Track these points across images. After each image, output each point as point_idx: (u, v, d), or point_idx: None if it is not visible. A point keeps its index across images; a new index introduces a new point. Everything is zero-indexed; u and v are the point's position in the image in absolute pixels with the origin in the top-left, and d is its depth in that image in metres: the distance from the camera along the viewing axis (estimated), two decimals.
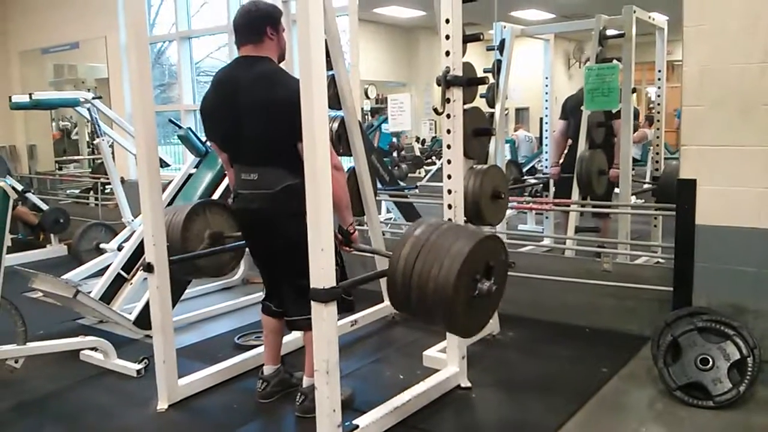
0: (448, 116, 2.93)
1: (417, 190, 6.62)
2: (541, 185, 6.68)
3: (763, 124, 2.98)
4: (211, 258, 3.30)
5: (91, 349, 3.53)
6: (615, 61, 4.74)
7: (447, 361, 3.23)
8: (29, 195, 6.82)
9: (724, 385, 2.89)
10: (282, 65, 2.86)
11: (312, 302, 2.26)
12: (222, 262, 3.39)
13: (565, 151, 5.65)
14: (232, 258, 3.44)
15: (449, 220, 2.95)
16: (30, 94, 5.40)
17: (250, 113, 2.67)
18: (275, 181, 2.68)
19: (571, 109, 5.33)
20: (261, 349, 3.38)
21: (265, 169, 2.71)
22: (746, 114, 3.02)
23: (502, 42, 5.32)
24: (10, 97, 5.59)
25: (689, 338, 3.02)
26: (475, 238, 2.27)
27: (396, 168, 9.19)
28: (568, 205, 5.07)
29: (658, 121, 5.37)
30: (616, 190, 5.12)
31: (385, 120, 7.66)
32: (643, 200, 5.84)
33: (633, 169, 5.49)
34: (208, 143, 4.55)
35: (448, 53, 2.88)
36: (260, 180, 2.72)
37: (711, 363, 2.94)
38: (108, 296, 4.26)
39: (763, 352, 2.96)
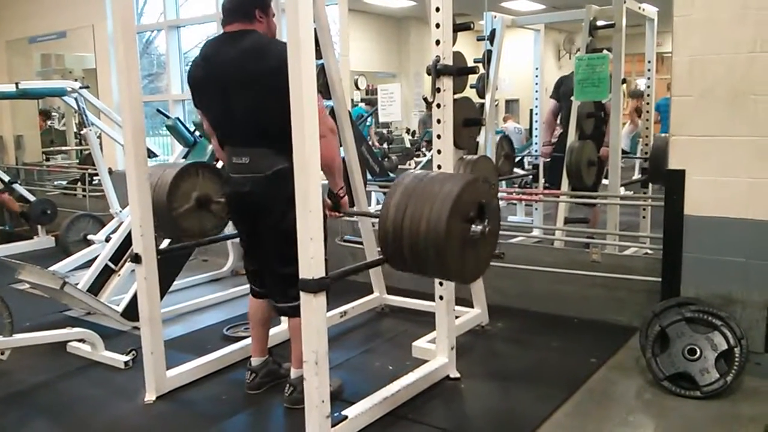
0: (438, 106, 2.92)
1: None
2: (531, 177, 6.69)
3: (751, 115, 2.99)
4: (195, 220, 3.23)
5: (79, 340, 3.51)
6: (605, 52, 4.74)
7: (436, 351, 3.23)
8: (16, 186, 6.77)
9: (712, 376, 2.90)
10: None
11: (301, 293, 2.25)
12: (206, 224, 3.32)
13: (558, 132, 5.64)
14: (216, 221, 3.37)
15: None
16: (16, 83, 5.35)
17: (240, 89, 2.63)
18: (267, 165, 2.65)
19: (564, 94, 5.31)
20: (249, 340, 3.37)
21: (256, 151, 2.68)
22: (735, 104, 3.02)
23: (493, 32, 5.31)
24: None
25: (677, 329, 3.04)
26: (464, 179, 2.25)
27: (386, 159, 9.17)
28: (558, 196, 5.07)
29: (648, 112, 5.38)
30: (605, 181, 5.14)
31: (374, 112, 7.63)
32: (632, 191, 5.86)
33: (622, 162, 5.51)
34: (197, 134, 4.53)
35: (438, 42, 2.87)
36: (252, 163, 2.69)
37: (698, 353, 2.95)
38: (96, 288, 4.23)
39: (751, 343, 2.98)
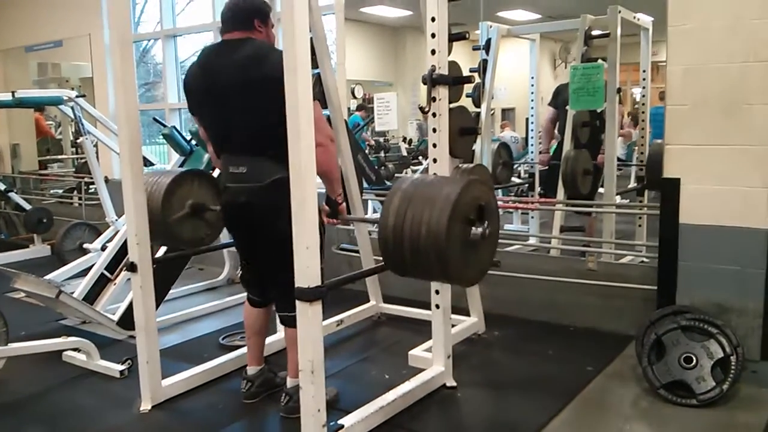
0: (434, 115, 2.93)
1: None
2: (527, 185, 6.70)
3: (746, 123, 3.01)
4: (188, 227, 3.22)
5: (74, 349, 3.50)
6: (600, 61, 4.76)
7: (432, 360, 3.22)
8: (12, 194, 6.76)
9: (708, 384, 2.90)
10: None
11: (297, 301, 2.25)
12: (200, 233, 3.31)
13: (555, 142, 5.65)
14: (210, 230, 3.35)
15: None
16: (13, 92, 5.35)
17: (238, 96, 2.62)
18: (264, 174, 2.64)
19: (562, 103, 5.33)
20: (245, 349, 3.36)
21: (253, 160, 2.67)
22: (729, 113, 3.04)
23: (488, 41, 5.33)
24: None
25: (673, 337, 3.04)
26: (463, 182, 2.25)
27: (383, 168, 9.18)
28: (554, 205, 5.08)
29: (643, 121, 5.41)
30: (601, 189, 5.15)
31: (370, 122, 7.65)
32: (628, 200, 5.88)
33: (620, 170, 5.53)
34: (193, 143, 4.54)
35: (433, 52, 2.88)
36: (249, 173, 2.68)
37: (694, 361, 2.95)
38: (91, 297, 4.22)
39: (746, 351, 2.99)
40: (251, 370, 3.09)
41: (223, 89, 2.67)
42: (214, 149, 2.88)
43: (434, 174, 2.93)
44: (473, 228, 2.25)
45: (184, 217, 3.16)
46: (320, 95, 3.67)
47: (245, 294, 3.11)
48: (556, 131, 5.59)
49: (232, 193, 2.76)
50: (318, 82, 3.63)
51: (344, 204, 2.95)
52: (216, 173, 3.97)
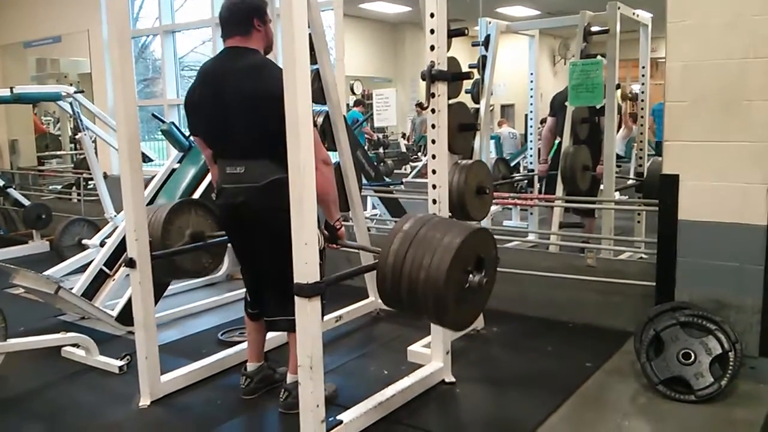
0: (433, 111, 2.93)
1: (402, 186, 6.61)
2: (526, 181, 6.70)
3: (744, 120, 3.01)
4: (191, 258, 3.27)
5: (73, 345, 3.50)
6: (599, 57, 4.76)
7: (431, 356, 3.23)
8: (11, 190, 6.75)
9: (706, 380, 2.91)
10: (269, 56, 2.84)
11: (296, 297, 2.25)
12: (201, 262, 3.36)
13: (554, 149, 5.65)
14: (211, 258, 3.41)
15: (434, 215, 2.95)
16: (11, 88, 5.35)
17: (238, 105, 2.62)
18: (262, 175, 2.63)
19: (559, 106, 5.33)
20: (244, 345, 3.36)
21: (251, 162, 2.66)
22: (728, 110, 3.04)
23: (487, 38, 5.32)
24: None
25: (671, 333, 3.04)
26: (467, 231, 2.27)
27: (382, 164, 9.18)
28: (553, 201, 5.09)
29: (642, 117, 5.40)
30: (601, 187, 5.15)
31: (369, 117, 7.65)
32: (627, 196, 5.88)
33: (618, 167, 5.53)
34: (192, 138, 4.53)
35: (432, 48, 2.88)
36: (246, 173, 2.66)
37: (693, 357, 2.96)
38: (90, 292, 4.22)
39: (745, 347, 2.99)
40: (251, 366, 3.09)
41: (222, 98, 2.66)
42: (213, 154, 2.87)
43: (431, 173, 2.94)
44: (470, 276, 2.27)
45: (185, 248, 3.20)
46: (319, 91, 3.67)
47: (245, 289, 3.10)
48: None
49: (229, 194, 2.73)
50: (317, 78, 3.63)
51: (343, 229, 2.96)
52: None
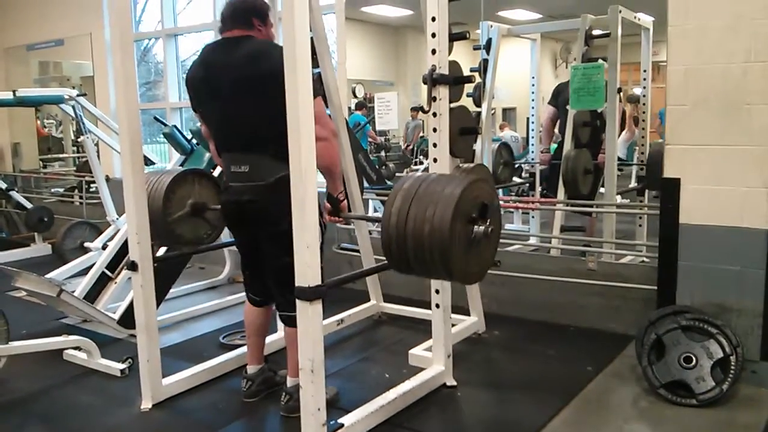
0: (435, 114, 2.93)
1: None
2: (528, 185, 6.70)
3: (746, 124, 3.00)
4: (190, 228, 3.23)
5: (75, 348, 3.51)
6: (601, 61, 4.76)
7: (433, 359, 3.22)
8: (13, 193, 6.76)
9: (708, 384, 2.91)
10: None
11: (297, 300, 2.25)
12: (200, 233, 3.31)
13: (554, 150, 5.65)
14: (210, 230, 3.36)
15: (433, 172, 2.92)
16: (14, 91, 5.36)
17: (238, 93, 2.63)
18: (268, 173, 2.64)
19: (563, 101, 5.32)
20: (246, 348, 3.36)
21: (255, 158, 2.67)
22: (729, 113, 3.04)
23: (489, 41, 5.33)
24: None
25: (673, 337, 3.04)
26: (467, 180, 2.25)
27: (383, 167, 9.18)
28: (554, 204, 5.09)
29: (644, 120, 5.40)
30: (601, 189, 5.15)
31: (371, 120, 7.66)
32: (628, 200, 5.88)
33: (620, 170, 5.52)
34: (194, 142, 4.54)
35: (434, 51, 2.89)
36: (251, 172, 2.68)
37: (694, 361, 2.96)
38: (92, 295, 4.23)
39: (746, 351, 2.99)
40: (251, 369, 3.10)
41: (222, 87, 2.69)
42: (216, 148, 2.89)
43: (434, 173, 2.94)
44: (476, 226, 2.26)
45: (184, 216, 3.17)
46: (321, 94, 3.67)
47: (245, 293, 3.11)
48: (556, 131, 5.59)
49: (236, 192, 2.75)
50: (319, 81, 3.63)
51: (346, 201, 2.93)
52: (217, 171, 4.00)
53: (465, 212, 2.23)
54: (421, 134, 11.44)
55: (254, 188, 2.68)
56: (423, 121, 11.29)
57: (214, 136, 2.88)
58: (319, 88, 2.69)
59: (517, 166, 8.12)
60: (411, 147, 11.26)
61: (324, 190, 2.75)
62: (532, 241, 5.60)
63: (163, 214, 3.06)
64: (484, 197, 2.31)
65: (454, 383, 3.18)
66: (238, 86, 2.64)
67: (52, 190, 8.27)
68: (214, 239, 3.44)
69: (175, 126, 4.84)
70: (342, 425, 2.60)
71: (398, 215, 2.25)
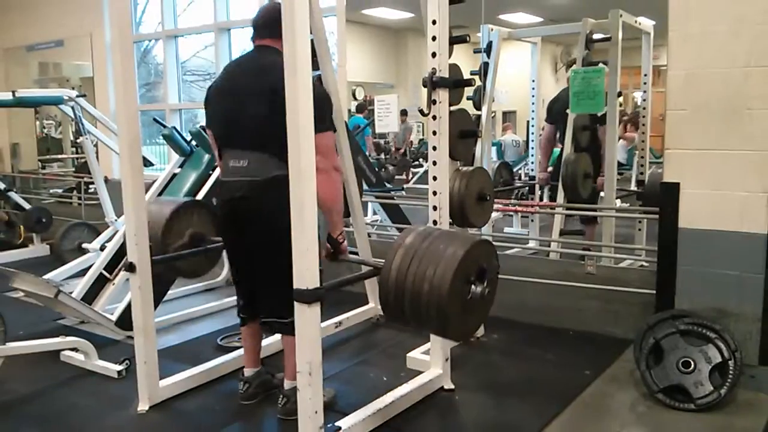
0: (434, 118, 2.93)
1: (404, 192, 6.62)
2: (527, 188, 6.70)
3: (746, 128, 3.00)
4: (189, 258, 3.26)
5: (72, 349, 3.50)
6: (601, 65, 4.76)
7: (431, 363, 3.22)
8: (11, 194, 6.75)
9: (706, 388, 2.90)
10: None
11: (295, 303, 2.25)
12: (198, 263, 3.35)
13: (556, 156, 5.65)
14: (208, 260, 3.40)
15: (434, 222, 2.95)
16: (13, 92, 5.36)
17: (251, 98, 2.66)
18: (265, 170, 2.64)
19: (557, 113, 5.32)
20: (243, 351, 3.36)
21: (256, 155, 2.67)
22: (730, 118, 3.04)
23: (489, 44, 5.33)
24: None
25: (671, 341, 3.04)
26: (469, 243, 2.28)
27: (383, 170, 9.19)
28: (553, 208, 5.08)
29: (644, 125, 5.40)
30: (602, 194, 5.15)
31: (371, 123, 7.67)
32: (628, 204, 5.88)
33: (620, 174, 5.52)
34: (193, 143, 4.54)
35: (434, 55, 2.89)
36: (250, 167, 2.68)
37: (693, 366, 2.95)
38: (90, 296, 4.21)
39: (744, 356, 2.98)
40: (248, 371, 3.09)
41: (237, 91, 2.73)
42: (219, 147, 2.87)
43: (432, 180, 2.95)
44: (473, 287, 2.28)
45: (183, 248, 3.20)
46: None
47: (237, 294, 3.11)
48: (557, 140, 5.58)
49: (229, 189, 2.75)
50: (319, 83, 3.63)
51: (346, 243, 2.92)
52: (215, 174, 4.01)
53: (465, 274, 2.27)
54: (420, 137, 11.46)
55: (249, 184, 2.68)
56: (416, 124, 11.31)
57: (218, 133, 2.86)
58: (331, 123, 2.73)
59: (517, 169, 8.16)
60: (403, 150, 11.28)
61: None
62: (532, 244, 5.60)
63: (162, 246, 3.09)
64: (483, 259, 2.35)
65: (452, 387, 3.17)
66: (252, 92, 2.67)
67: (51, 190, 8.26)
68: (210, 269, 3.53)
69: (175, 127, 4.84)
70: (339, 428, 2.59)
71: (398, 271, 2.30)
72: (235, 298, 4.52)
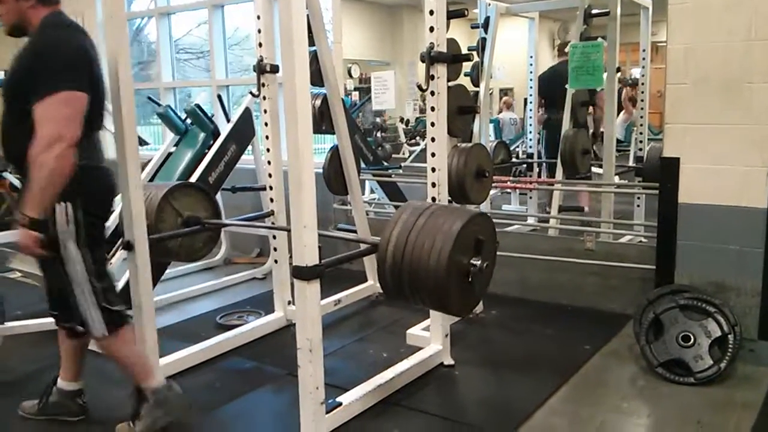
0: (432, 93, 2.90)
1: (401, 170, 6.59)
2: (525, 166, 6.68)
3: (746, 103, 2.98)
4: (183, 241, 3.25)
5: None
6: (600, 39, 4.72)
7: (430, 339, 3.23)
8: (6, 174, 6.70)
9: (705, 362, 2.91)
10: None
11: (295, 280, 2.25)
12: (194, 246, 3.34)
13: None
14: (202, 243, 3.39)
15: (433, 199, 2.93)
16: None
17: None
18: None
19: (545, 84, 5.39)
20: (243, 328, 3.36)
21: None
22: (729, 92, 3.02)
23: (487, 20, 5.27)
24: None
25: (671, 316, 3.04)
26: (466, 216, 2.26)
27: (380, 148, 9.16)
28: (552, 185, 5.07)
29: (642, 101, 5.38)
30: (600, 170, 5.14)
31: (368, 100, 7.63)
32: (626, 180, 5.87)
33: (618, 151, 5.50)
34: (188, 122, 4.50)
35: (432, 29, 2.85)
36: None
37: (692, 340, 2.96)
38: None
39: (744, 330, 2.99)
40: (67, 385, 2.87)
41: None
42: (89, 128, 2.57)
43: (431, 156, 2.92)
44: (471, 261, 2.27)
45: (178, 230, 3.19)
46: (317, 74, 3.63)
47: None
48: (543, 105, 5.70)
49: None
50: (314, 59, 3.59)
51: (31, 234, 2.37)
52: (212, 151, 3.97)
53: (463, 248, 2.25)
54: (417, 116, 11.40)
55: None
56: (412, 102, 11.25)
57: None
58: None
59: (514, 147, 8.13)
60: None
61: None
62: (530, 221, 5.60)
63: (156, 230, 3.08)
64: (481, 233, 2.33)
65: (452, 362, 3.18)
66: None
67: None
68: (207, 252, 3.47)
69: (169, 106, 4.80)
70: (340, 404, 2.60)
71: (395, 246, 2.29)
72: (234, 276, 4.57)
